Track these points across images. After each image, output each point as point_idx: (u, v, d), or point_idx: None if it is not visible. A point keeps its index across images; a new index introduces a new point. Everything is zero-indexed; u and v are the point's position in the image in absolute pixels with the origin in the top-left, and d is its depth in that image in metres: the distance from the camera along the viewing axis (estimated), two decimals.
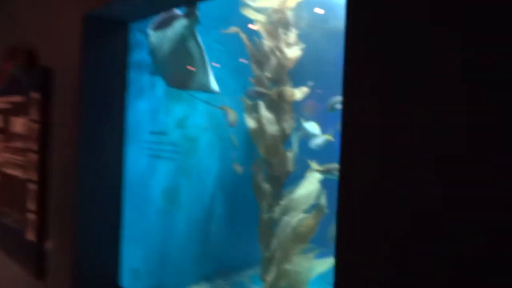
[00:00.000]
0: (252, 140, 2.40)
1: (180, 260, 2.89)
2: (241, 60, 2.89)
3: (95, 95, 2.20)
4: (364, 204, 0.89)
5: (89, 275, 2.28)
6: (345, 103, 0.92)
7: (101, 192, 2.35)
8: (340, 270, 0.94)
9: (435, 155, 0.77)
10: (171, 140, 2.81)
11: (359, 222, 0.91)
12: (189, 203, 2.93)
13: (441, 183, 0.76)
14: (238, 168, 2.48)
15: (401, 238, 0.83)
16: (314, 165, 2.11)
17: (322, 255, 2.17)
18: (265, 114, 2.13)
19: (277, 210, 2.11)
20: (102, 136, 2.31)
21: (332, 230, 2.99)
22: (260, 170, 2.21)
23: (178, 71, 2.24)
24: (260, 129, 2.16)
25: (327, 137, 2.67)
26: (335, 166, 2.16)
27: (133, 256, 2.58)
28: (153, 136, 2.71)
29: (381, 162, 0.85)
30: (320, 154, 2.55)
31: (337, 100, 2.47)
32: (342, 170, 0.93)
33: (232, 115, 2.48)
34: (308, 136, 2.52)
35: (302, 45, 2.35)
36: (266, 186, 2.16)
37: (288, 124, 2.19)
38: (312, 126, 2.50)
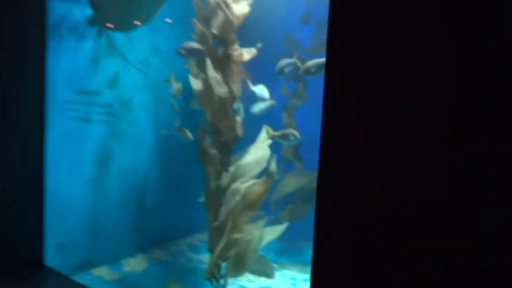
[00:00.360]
0: (194, 102, 2.23)
1: (113, 232, 2.70)
2: (167, 19, 2.67)
3: (7, 47, 1.92)
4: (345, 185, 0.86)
5: (6, 255, 2.09)
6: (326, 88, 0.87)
7: (18, 160, 2.10)
8: (317, 250, 0.91)
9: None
10: (101, 101, 2.52)
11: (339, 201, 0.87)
12: (123, 170, 2.70)
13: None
14: (188, 133, 2.30)
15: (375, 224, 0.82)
16: (269, 130, 2.02)
17: (268, 223, 2.14)
18: (213, 74, 1.96)
19: (225, 177, 2.00)
20: (17, 95, 2.03)
21: (274, 196, 3.00)
22: (206, 135, 2.07)
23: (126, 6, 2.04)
24: (207, 90, 2.00)
25: (271, 102, 2.58)
26: (291, 131, 2.10)
27: (59, 231, 2.35)
28: (80, 97, 2.40)
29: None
30: (261, 119, 2.47)
31: (286, 63, 2.38)
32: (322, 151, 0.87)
33: (176, 87, 2.29)
34: (256, 99, 2.40)
35: (250, 0, 2.18)
36: (214, 152, 2.03)
37: (237, 86, 2.05)
38: (260, 89, 2.38)
